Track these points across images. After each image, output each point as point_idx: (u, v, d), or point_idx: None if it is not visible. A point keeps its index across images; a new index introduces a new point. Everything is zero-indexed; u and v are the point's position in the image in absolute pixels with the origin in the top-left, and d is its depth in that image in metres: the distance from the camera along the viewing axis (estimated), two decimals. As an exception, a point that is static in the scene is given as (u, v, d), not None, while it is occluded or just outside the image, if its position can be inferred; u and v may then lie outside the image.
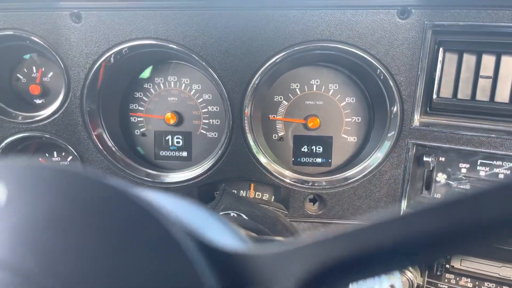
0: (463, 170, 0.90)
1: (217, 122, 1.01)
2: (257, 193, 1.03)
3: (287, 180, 0.93)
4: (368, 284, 0.44)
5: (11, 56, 0.93)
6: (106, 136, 0.95)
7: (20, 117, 0.90)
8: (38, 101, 0.98)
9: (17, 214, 0.22)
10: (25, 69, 0.97)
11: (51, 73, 0.97)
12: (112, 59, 0.87)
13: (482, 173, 0.89)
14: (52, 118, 0.89)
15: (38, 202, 0.22)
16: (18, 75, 0.97)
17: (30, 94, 0.96)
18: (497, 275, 0.93)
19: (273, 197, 1.02)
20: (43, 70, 0.97)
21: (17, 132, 0.90)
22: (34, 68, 0.96)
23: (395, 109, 0.85)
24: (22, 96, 0.97)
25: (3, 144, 0.90)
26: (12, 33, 0.85)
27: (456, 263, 0.96)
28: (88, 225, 0.21)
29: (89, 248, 0.21)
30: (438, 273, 0.96)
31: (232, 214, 0.81)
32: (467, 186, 0.89)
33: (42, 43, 0.85)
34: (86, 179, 0.22)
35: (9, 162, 0.23)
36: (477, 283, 0.95)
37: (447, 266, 0.96)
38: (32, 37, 0.85)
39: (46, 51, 0.88)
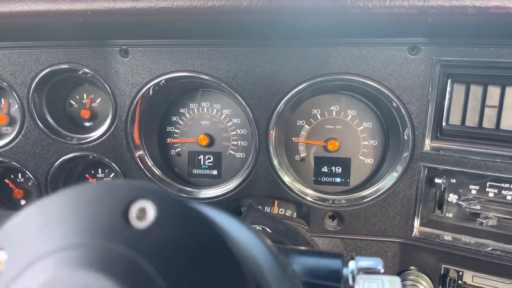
0: (473, 192, 0.97)
1: (245, 143, 1.11)
2: (280, 209, 1.11)
3: (308, 198, 1.01)
4: (371, 287, 0.52)
5: (66, 85, 1.07)
6: (146, 156, 1.06)
7: (74, 139, 1.02)
8: (87, 124, 1.11)
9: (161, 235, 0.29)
10: (77, 96, 1.10)
11: (99, 99, 1.10)
12: (153, 89, 0.98)
13: (491, 195, 0.96)
14: (100, 140, 1.02)
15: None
16: (71, 101, 1.10)
17: (81, 118, 1.09)
18: (508, 292, 0.98)
19: (295, 213, 1.11)
20: (92, 96, 1.09)
21: (71, 151, 1.02)
22: (84, 95, 1.09)
23: (407, 134, 0.93)
24: (74, 119, 1.10)
25: (58, 161, 1.03)
26: (68, 66, 0.98)
27: (468, 279, 1.01)
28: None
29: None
30: (451, 288, 1.02)
31: (257, 228, 0.91)
32: (478, 207, 0.96)
33: (94, 74, 0.98)
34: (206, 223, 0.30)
35: (165, 190, 0.31)
36: (488, 299, 1.00)
37: (460, 282, 1.02)
38: (86, 70, 0.98)
39: (96, 81, 1.01)
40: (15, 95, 0.99)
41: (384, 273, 0.57)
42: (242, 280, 0.27)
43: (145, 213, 0.29)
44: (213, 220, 0.29)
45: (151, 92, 1.00)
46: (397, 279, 0.56)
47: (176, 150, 1.14)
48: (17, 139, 1.01)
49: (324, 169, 1.08)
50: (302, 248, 0.72)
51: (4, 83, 0.98)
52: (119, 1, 0.74)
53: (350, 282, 0.53)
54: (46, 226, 0.30)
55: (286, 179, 1.02)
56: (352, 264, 0.55)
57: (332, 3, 0.67)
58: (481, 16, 0.65)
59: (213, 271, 0.27)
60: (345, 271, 0.55)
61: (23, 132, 1.01)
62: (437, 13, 0.65)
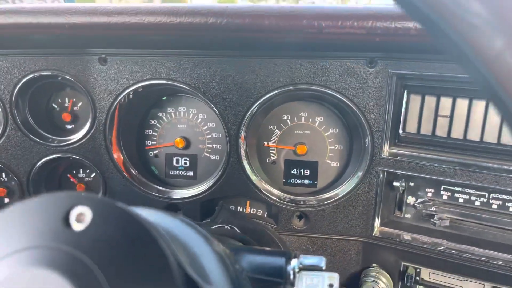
0: (429, 194, 1.04)
1: (219, 146, 1.17)
2: (252, 209, 1.18)
3: (275, 198, 1.08)
4: (312, 281, 0.59)
5: (48, 90, 1.12)
6: (124, 158, 1.12)
7: (55, 141, 1.07)
8: (69, 127, 1.16)
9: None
10: (59, 100, 1.15)
11: (80, 103, 1.15)
12: (131, 95, 1.04)
13: (445, 197, 1.03)
14: (80, 142, 1.07)
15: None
16: (53, 104, 1.15)
17: (62, 121, 1.14)
18: (461, 288, 1.05)
19: (266, 213, 1.17)
20: (73, 100, 1.15)
21: (52, 153, 1.08)
22: (66, 99, 1.15)
23: (367, 141, 1.00)
24: (56, 122, 1.16)
25: (40, 162, 1.08)
26: (50, 73, 1.03)
27: (425, 276, 1.08)
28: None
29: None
30: (409, 284, 1.09)
31: (226, 227, 0.97)
32: (433, 208, 1.03)
33: (74, 80, 1.03)
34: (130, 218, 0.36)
35: (98, 196, 0.37)
36: (443, 294, 1.08)
37: (417, 278, 1.09)
38: (67, 76, 1.03)
39: (77, 87, 1.06)
40: (-1, 100, 1.04)
41: (325, 270, 0.64)
42: (167, 266, 0.34)
43: (83, 216, 0.35)
44: (141, 217, 0.36)
45: (128, 98, 1.05)
46: (336, 275, 0.62)
47: (154, 152, 1.20)
48: (0, 141, 1.06)
49: (294, 171, 1.15)
50: (251, 247, 0.79)
51: (-13, 88, 1.03)
52: (95, 16, 0.80)
53: (291, 277, 0.60)
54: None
55: (256, 180, 1.08)
56: (294, 262, 0.61)
57: (289, 23, 0.73)
58: (422, 37, 0.72)
59: (142, 260, 0.34)
60: (288, 268, 0.61)
61: (6, 134, 1.06)
62: (383, 34, 0.72)
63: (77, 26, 0.80)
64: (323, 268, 0.63)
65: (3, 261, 0.34)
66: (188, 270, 0.35)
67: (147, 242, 0.35)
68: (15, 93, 1.03)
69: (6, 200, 1.20)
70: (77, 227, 0.35)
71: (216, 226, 0.97)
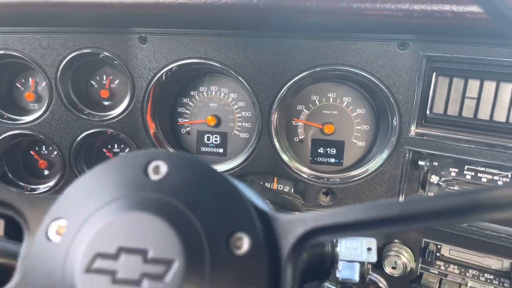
0: (453, 174, 1.08)
1: (249, 125, 1.22)
2: (279, 185, 1.23)
3: (304, 176, 1.13)
4: (352, 246, 0.64)
5: (88, 67, 1.17)
6: (159, 134, 1.17)
7: (96, 117, 1.13)
8: (106, 103, 1.22)
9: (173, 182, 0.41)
10: (97, 77, 1.20)
11: (117, 81, 1.20)
12: (168, 73, 1.09)
13: (468, 177, 1.07)
14: (119, 118, 1.13)
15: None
16: (92, 81, 1.21)
17: (100, 97, 1.20)
18: (480, 264, 1.10)
19: (292, 189, 1.22)
20: (111, 78, 1.20)
21: (92, 127, 1.14)
22: (104, 76, 1.20)
23: (395, 121, 1.04)
24: (94, 98, 1.21)
25: (81, 136, 1.14)
26: (93, 51, 1.08)
27: (446, 252, 1.13)
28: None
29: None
30: (429, 260, 1.14)
31: (258, 199, 1.02)
32: (456, 187, 1.07)
33: (115, 58, 1.08)
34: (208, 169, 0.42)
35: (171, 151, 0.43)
36: (462, 270, 1.12)
37: (438, 254, 1.14)
38: (108, 54, 1.08)
39: (116, 65, 1.11)
40: (45, 76, 1.09)
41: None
42: (240, 198, 0.39)
43: (159, 168, 0.41)
44: (208, 163, 0.42)
45: (166, 76, 1.10)
46: (373, 240, 0.68)
47: (186, 129, 1.25)
48: (45, 115, 1.12)
49: (320, 150, 1.19)
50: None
51: (34, 64, 1.08)
52: (143, -5, 0.84)
53: (334, 240, 0.65)
54: (90, 192, 0.42)
55: (285, 158, 1.13)
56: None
57: (330, 4, 0.77)
58: (459, 19, 0.75)
59: (215, 196, 0.39)
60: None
61: (50, 108, 1.12)
62: (420, 16, 0.75)
63: (127, 5, 0.85)
64: (361, 234, 0.68)
65: (102, 209, 0.40)
66: (257, 203, 0.41)
67: (220, 181, 0.41)
68: (60, 69, 1.08)
69: (46, 172, 1.27)
70: (154, 176, 0.41)
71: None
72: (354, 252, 0.65)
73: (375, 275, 0.70)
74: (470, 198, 0.34)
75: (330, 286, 0.81)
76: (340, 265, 0.63)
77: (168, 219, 0.38)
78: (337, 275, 0.62)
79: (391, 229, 0.37)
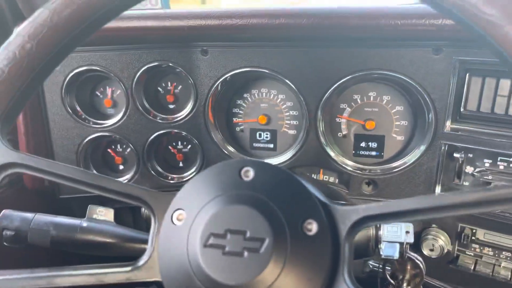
0: (487, 165, 1.18)
1: (296, 122, 1.36)
2: (325, 176, 1.37)
3: (349, 168, 1.26)
4: (392, 230, 0.78)
5: (156, 77, 1.35)
6: (218, 132, 1.34)
7: (164, 119, 1.31)
8: (171, 106, 1.39)
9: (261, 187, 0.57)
10: (163, 84, 1.38)
11: (180, 87, 1.37)
12: (226, 80, 1.25)
13: (501, 167, 1.16)
14: (184, 120, 1.30)
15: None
16: (159, 88, 1.38)
17: (166, 102, 1.38)
18: (513, 246, 1.20)
19: (337, 180, 1.36)
20: (175, 84, 1.37)
21: (162, 128, 1.32)
22: (169, 83, 1.38)
23: (431, 117, 1.14)
24: (161, 103, 1.39)
25: (152, 136, 1.33)
26: (158, 63, 1.26)
27: (481, 236, 1.23)
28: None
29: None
30: (465, 243, 1.24)
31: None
32: (490, 177, 1.17)
33: (181, 69, 1.25)
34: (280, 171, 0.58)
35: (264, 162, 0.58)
36: (496, 252, 1.22)
37: (473, 238, 1.24)
38: (174, 65, 1.25)
39: (181, 74, 1.28)
40: (122, 86, 1.28)
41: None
42: (308, 193, 0.54)
43: (249, 172, 0.56)
44: (284, 169, 0.57)
45: (223, 83, 1.26)
46: (411, 225, 0.81)
47: (240, 128, 1.41)
48: (123, 119, 1.31)
49: (362, 144, 1.32)
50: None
51: (114, 76, 1.27)
52: (209, 19, 0.99)
53: (378, 225, 0.79)
54: (201, 189, 0.58)
55: (331, 152, 1.27)
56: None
57: (370, 22, 0.89)
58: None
59: (290, 192, 0.54)
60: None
61: (128, 113, 1.30)
62: (451, 30, 0.86)
63: (195, 28, 1.01)
64: (400, 219, 0.81)
65: (207, 206, 0.56)
66: (320, 197, 0.56)
67: (293, 180, 0.56)
68: (135, 80, 1.27)
69: (121, 167, 1.47)
70: (246, 179, 0.56)
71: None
72: (394, 234, 0.79)
73: (412, 253, 0.83)
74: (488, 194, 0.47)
75: (373, 263, 0.95)
76: (383, 245, 0.77)
77: (258, 209, 0.53)
78: (381, 252, 0.76)
79: (421, 218, 0.51)
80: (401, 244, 0.76)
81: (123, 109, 1.31)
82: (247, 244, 0.52)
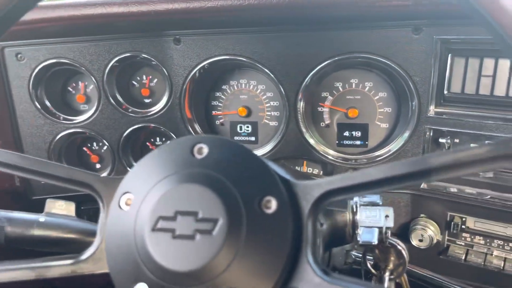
0: (474, 149, 1.13)
1: (277, 113, 1.31)
2: (308, 168, 1.32)
3: (331, 158, 1.21)
4: (371, 214, 0.73)
5: (129, 69, 1.30)
6: (197, 125, 1.29)
7: (139, 113, 1.26)
8: (146, 100, 1.34)
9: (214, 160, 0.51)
10: (138, 77, 1.33)
11: (155, 80, 1.32)
12: (201, 70, 1.20)
13: (489, 151, 1.12)
14: (160, 113, 1.25)
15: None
16: (133, 82, 1.33)
17: (141, 95, 1.33)
18: (504, 234, 1.14)
19: (321, 171, 1.31)
20: (150, 77, 1.32)
21: (137, 123, 1.27)
22: (144, 76, 1.33)
23: (414, 102, 1.10)
24: (136, 97, 1.34)
25: (127, 131, 1.27)
26: (130, 54, 1.21)
27: (471, 224, 1.18)
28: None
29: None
30: (455, 232, 1.20)
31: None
32: (477, 162, 1.12)
33: (153, 59, 1.20)
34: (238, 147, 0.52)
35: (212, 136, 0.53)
36: (488, 240, 1.17)
37: (463, 226, 1.19)
38: (146, 56, 1.20)
39: (154, 65, 1.23)
40: (93, 79, 1.23)
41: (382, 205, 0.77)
42: (267, 169, 0.49)
43: (202, 149, 0.51)
44: (240, 143, 0.52)
45: (199, 73, 1.21)
46: (390, 208, 0.76)
47: (220, 121, 1.36)
48: (95, 114, 1.26)
49: (346, 133, 1.27)
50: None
51: (84, 69, 1.22)
52: (176, 3, 0.94)
53: (354, 210, 0.74)
54: (150, 170, 0.52)
55: (312, 142, 1.22)
56: (356, 198, 0.75)
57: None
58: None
59: (248, 168, 0.49)
60: (351, 202, 0.75)
61: (100, 108, 1.25)
62: (428, 4, 0.82)
63: (161, 13, 0.96)
64: (380, 203, 0.76)
65: (160, 183, 0.51)
66: (281, 172, 0.51)
67: (251, 156, 0.51)
68: (106, 73, 1.22)
69: (98, 165, 1.41)
70: (199, 156, 0.51)
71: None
72: (373, 219, 0.73)
73: (394, 239, 0.78)
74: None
75: (356, 253, 0.90)
76: (361, 230, 0.72)
77: (212, 188, 0.48)
78: (358, 238, 0.71)
79: (391, 187, 0.46)
80: (380, 229, 0.71)
81: (95, 104, 1.26)
82: (199, 226, 0.47)
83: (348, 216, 0.73)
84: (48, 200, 0.78)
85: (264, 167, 0.50)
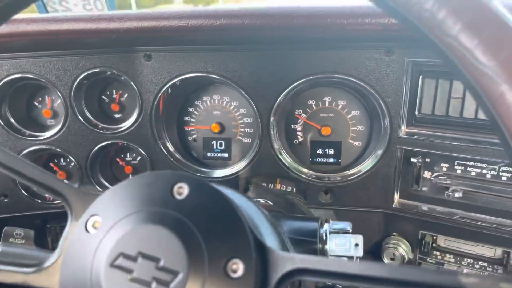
0: (444, 169, 1.15)
1: (251, 130, 1.30)
2: (282, 186, 1.31)
3: (303, 176, 1.20)
4: (341, 242, 0.72)
5: (99, 84, 1.26)
6: (168, 143, 1.26)
7: (108, 130, 1.22)
8: (117, 116, 1.31)
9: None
10: (108, 92, 1.29)
11: (126, 95, 1.29)
12: (173, 87, 1.17)
13: (458, 171, 1.13)
14: (130, 130, 1.21)
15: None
16: (103, 97, 1.30)
17: (112, 111, 1.29)
18: (474, 253, 1.16)
19: (294, 189, 1.30)
20: (120, 92, 1.29)
21: (105, 139, 1.23)
22: (114, 91, 1.29)
23: (386, 122, 1.10)
24: (106, 112, 1.30)
25: (95, 148, 1.23)
26: (101, 70, 1.17)
27: (441, 242, 1.20)
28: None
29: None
30: (426, 250, 1.21)
31: (261, 201, 1.10)
32: (448, 181, 1.14)
33: (123, 75, 1.17)
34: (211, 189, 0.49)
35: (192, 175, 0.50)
36: (458, 258, 1.18)
37: (434, 245, 1.21)
38: (116, 72, 1.17)
39: (125, 81, 1.20)
40: (59, 94, 1.18)
41: (353, 234, 0.76)
42: (243, 229, 0.47)
43: (182, 190, 0.48)
44: (224, 193, 0.49)
45: (171, 89, 1.19)
46: (360, 237, 0.75)
47: (193, 137, 1.34)
48: (62, 131, 1.21)
49: (319, 151, 1.27)
50: (289, 214, 0.92)
51: (50, 85, 1.18)
52: (145, 21, 0.92)
53: (324, 238, 0.73)
54: (124, 198, 0.50)
55: (286, 160, 1.21)
56: (326, 226, 0.74)
57: (315, 22, 0.84)
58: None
59: (223, 223, 0.47)
60: (321, 230, 0.74)
61: (67, 124, 1.21)
62: (399, 29, 0.82)
63: (130, 30, 0.93)
64: (350, 231, 0.76)
65: (126, 219, 0.48)
66: (257, 234, 0.48)
67: (229, 210, 0.48)
68: (73, 88, 1.17)
69: (66, 182, 1.37)
70: (178, 196, 0.49)
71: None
72: (343, 247, 0.73)
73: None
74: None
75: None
76: (330, 260, 0.70)
77: (181, 236, 0.46)
78: (327, 269, 0.69)
79: (361, 285, 0.44)
80: (350, 258, 0.70)
81: (62, 120, 1.22)
82: (158, 274, 0.44)
83: (318, 244, 0.72)
84: (5, 229, 0.74)
85: (240, 224, 0.47)
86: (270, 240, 0.57)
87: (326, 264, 0.44)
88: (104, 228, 0.48)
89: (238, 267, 0.45)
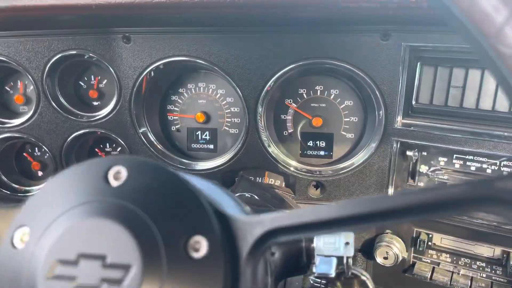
0: (442, 163, 1.08)
1: (238, 120, 1.22)
2: (270, 179, 1.23)
3: (292, 169, 1.13)
4: (329, 241, 0.64)
5: (75, 69, 1.18)
6: (148, 132, 1.18)
7: (84, 117, 1.14)
8: (95, 103, 1.22)
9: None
10: (85, 78, 1.21)
11: (105, 81, 1.21)
12: (154, 72, 1.09)
13: (457, 166, 1.06)
14: (107, 118, 1.13)
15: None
16: (80, 82, 1.21)
17: (89, 98, 1.21)
18: (472, 252, 1.10)
19: (283, 183, 1.23)
20: (99, 78, 1.21)
21: (81, 128, 1.15)
22: (92, 77, 1.21)
23: (381, 112, 1.03)
24: (83, 99, 1.22)
25: (70, 137, 1.15)
26: (75, 52, 1.09)
27: (437, 241, 1.13)
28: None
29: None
30: (421, 249, 1.14)
31: (247, 195, 1.03)
32: (445, 177, 1.07)
33: (100, 58, 1.08)
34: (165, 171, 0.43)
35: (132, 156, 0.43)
36: (454, 258, 1.12)
37: (429, 243, 1.14)
38: (93, 55, 1.08)
39: (102, 65, 1.11)
40: (31, 78, 1.10)
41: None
42: (198, 201, 0.40)
43: (120, 174, 0.41)
44: (167, 167, 0.42)
45: (152, 74, 1.11)
46: (351, 234, 0.68)
47: (176, 127, 1.26)
48: (34, 117, 1.13)
49: (310, 143, 1.19)
50: (276, 210, 0.84)
51: (20, 67, 1.09)
52: (120, -4, 0.84)
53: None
54: (52, 199, 0.42)
55: (274, 152, 1.13)
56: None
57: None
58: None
59: (174, 200, 0.40)
60: (308, 226, 0.67)
61: (39, 111, 1.13)
62: (397, 7, 0.75)
63: (103, 7, 0.85)
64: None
65: (63, 216, 0.40)
66: (215, 204, 0.41)
67: (178, 185, 0.41)
68: (45, 72, 1.09)
69: (40, 173, 1.28)
70: (115, 182, 0.41)
71: (237, 194, 1.03)
72: (331, 246, 0.65)
73: (357, 268, 0.70)
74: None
75: (314, 279, 0.82)
76: (317, 260, 0.63)
77: (126, 224, 0.38)
78: (314, 270, 0.62)
79: (346, 229, 0.37)
80: (340, 258, 0.63)
81: (34, 106, 1.13)
82: (106, 274, 0.37)
83: (304, 242, 0.64)
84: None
85: (195, 197, 0.41)
86: (231, 208, 0.50)
87: (300, 215, 0.37)
88: (34, 238, 0.40)
89: (200, 245, 0.38)
